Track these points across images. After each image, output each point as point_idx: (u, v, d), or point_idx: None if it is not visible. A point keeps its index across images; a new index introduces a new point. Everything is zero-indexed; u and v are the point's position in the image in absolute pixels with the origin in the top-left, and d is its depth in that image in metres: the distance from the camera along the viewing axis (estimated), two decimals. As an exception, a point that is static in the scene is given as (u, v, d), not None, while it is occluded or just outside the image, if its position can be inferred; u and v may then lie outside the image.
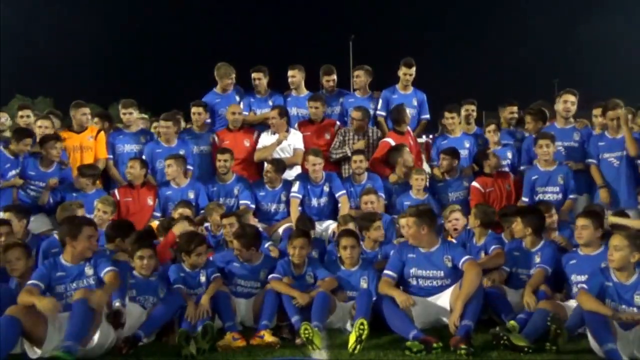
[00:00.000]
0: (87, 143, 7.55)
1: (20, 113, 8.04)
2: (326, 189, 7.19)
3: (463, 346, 4.47)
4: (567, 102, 7.23)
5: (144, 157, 7.52)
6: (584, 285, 4.75)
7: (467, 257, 5.19)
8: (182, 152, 7.41)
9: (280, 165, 7.28)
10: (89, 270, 4.84)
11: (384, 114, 8.03)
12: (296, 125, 7.93)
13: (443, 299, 5.17)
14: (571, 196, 6.76)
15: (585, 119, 7.61)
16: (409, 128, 7.84)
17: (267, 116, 7.85)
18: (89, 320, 4.39)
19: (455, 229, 6.37)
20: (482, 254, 5.85)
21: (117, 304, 4.77)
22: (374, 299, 5.15)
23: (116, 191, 7.16)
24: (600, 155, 6.86)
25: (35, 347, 4.43)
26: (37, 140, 7.17)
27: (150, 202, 7.12)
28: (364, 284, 5.45)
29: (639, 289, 4.52)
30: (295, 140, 7.71)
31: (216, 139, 7.80)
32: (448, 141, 7.77)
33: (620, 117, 6.71)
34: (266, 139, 7.74)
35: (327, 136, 7.85)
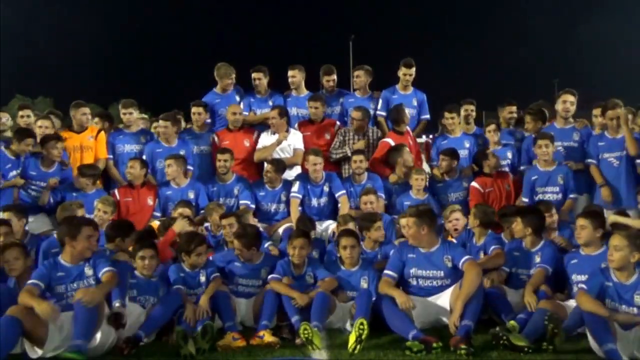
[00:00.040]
0: (88, 143, 7.54)
1: (20, 113, 8.04)
2: (326, 189, 7.19)
3: (463, 346, 4.47)
4: (566, 102, 7.23)
5: (144, 157, 7.52)
6: (584, 286, 4.75)
7: (467, 257, 5.19)
8: (182, 152, 7.41)
9: (280, 166, 7.28)
10: (88, 271, 4.86)
11: (384, 114, 8.03)
12: (296, 125, 7.93)
13: (443, 299, 5.17)
14: (571, 196, 6.76)
15: (585, 119, 7.61)
16: (408, 128, 7.84)
17: (267, 116, 7.85)
18: (94, 318, 4.43)
19: (456, 229, 6.37)
20: (482, 254, 5.84)
21: (117, 304, 4.77)
22: (374, 299, 5.15)
23: (116, 191, 7.16)
24: (600, 155, 6.86)
25: (36, 347, 4.44)
26: (38, 140, 7.16)
27: (150, 202, 7.12)
28: (364, 284, 5.44)
29: (639, 288, 4.52)
30: (295, 140, 7.71)
31: (216, 139, 7.80)
32: (448, 141, 7.77)
33: (621, 116, 6.71)
34: (266, 139, 7.74)
35: (327, 136, 7.85)
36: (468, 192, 7.16)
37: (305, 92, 8.27)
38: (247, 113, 8.11)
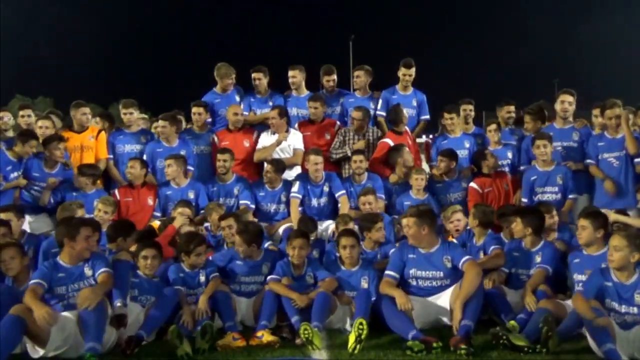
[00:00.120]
0: (88, 143, 7.54)
1: (21, 113, 8.03)
2: (326, 189, 7.18)
3: (463, 346, 4.47)
4: (564, 103, 7.23)
5: (144, 156, 7.53)
6: (580, 288, 4.75)
7: (467, 257, 5.19)
8: (183, 152, 7.40)
9: (280, 166, 7.27)
10: (88, 271, 4.87)
11: (384, 114, 8.01)
12: (296, 126, 7.93)
13: (443, 299, 5.17)
14: (571, 196, 6.76)
15: (585, 119, 7.62)
16: (407, 128, 7.84)
17: (267, 116, 7.85)
18: (102, 319, 4.47)
19: (457, 230, 6.37)
20: (482, 254, 5.85)
21: (118, 303, 4.78)
22: (374, 299, 5.15)
23: (116, 191, 7.16)
24: (599, 155, 6.86)
25: (37, 347, 4.45)
26: (40, 141, 7.16)
27: (150, 202, 7.11)
28: (364, 284, 5.43)
29: (639, 288, 4.53)
30: (295, 140, 7.71)
31: (216, 139, 7.80)
32: (448, 141, 7.76)
33: (622, 116, 6.71)
34: (266, 139, 7.74)
35: (327, 136, 7.85)
36: (467, 193, 7.16)
37: (305, 92, 8.26)
38: (247, 113, 8.11)
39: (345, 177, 7.44)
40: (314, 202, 7.16)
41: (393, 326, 4.89)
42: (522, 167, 7.34)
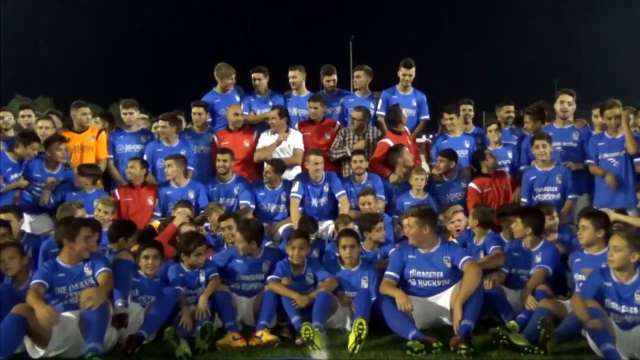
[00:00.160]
0: (88, 143, 7.54)
1: (21, 113, 8.02)
2: (326, 189, 7.18)
3: (463, 346, 4.47)
4: (563, 103, 7.23)
5: (144, 156, 7.53)
6: (579, 290, 4.75)
7: (466, 257, 5.19)
8: (183, 152, 7.41)
9: (280, 166, 7.28)
10: (88, 271, 4.87)
11: (384, 114, 8.02)
12: (296, 126, 7.93)
13: (443, 299, 5.17)
14: (570, 196, 6.76)
15: (585, 119, 7.62)
16: (406, 128, 7.84)
17: (267, 116, 7.85)
18: (104, 319, 4.48)
19: (458, 230, 6.38)
20: (482, 254, 5.85)
21: (119, 303, 4.78)
22: (374, 299, 5.15)
23: (116, 191, 7.17)
24: (599, 155, 6.86)
25: (37, 347, 4.45)
26: (41, 141, 7.15)
27: (150, 202, 7.12)
28: (364, 284, 5.43)
29: (639, 288, 4.53)
30: (295, 140, 7.71)
31: (216, 139, 7.80)
32: (448, 141, 7.76)
33: (622, 115, 6.71)
34: (266, 139, 7.74)
35: (327, 136, 7.85)
36: (466, 193, 7.16)
37: (305, 92, 8.26)
38: (247, 113, 8.11)
39: (345, 177, 7.44)
40: (314, 202, 7.16)
41: (393, 326, 4.89)
42: (522, 167, 7.35)
